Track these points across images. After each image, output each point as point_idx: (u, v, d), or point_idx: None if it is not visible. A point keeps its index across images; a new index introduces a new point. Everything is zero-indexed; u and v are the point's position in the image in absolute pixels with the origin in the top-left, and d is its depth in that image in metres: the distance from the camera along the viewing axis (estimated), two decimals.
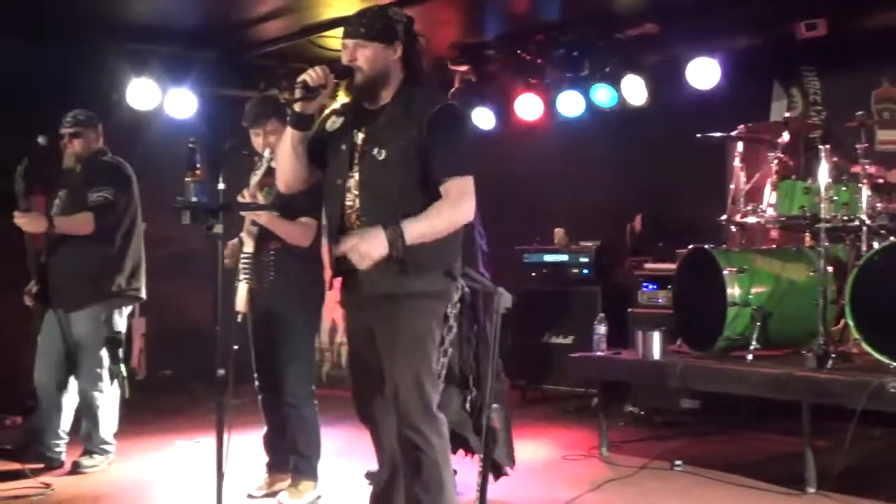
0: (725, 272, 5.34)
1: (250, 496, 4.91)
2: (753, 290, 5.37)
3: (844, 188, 5.21)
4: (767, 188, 5.56)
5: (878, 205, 5.19)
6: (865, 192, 5.15)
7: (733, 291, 5.32)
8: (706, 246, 5.57)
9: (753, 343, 5.28)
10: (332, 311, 7.36)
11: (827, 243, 5.16)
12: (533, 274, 7.71)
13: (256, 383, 4.91)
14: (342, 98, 3.63)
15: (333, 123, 3.61)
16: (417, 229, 3.31)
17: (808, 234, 5.74)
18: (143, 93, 7.51)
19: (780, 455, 5.59)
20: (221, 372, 3.40)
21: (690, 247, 5.77)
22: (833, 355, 4.95)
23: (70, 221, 5.44)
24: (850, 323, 4.90)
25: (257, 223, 4.67)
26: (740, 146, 5.82)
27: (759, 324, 5.30)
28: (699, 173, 7.05)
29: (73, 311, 5.48)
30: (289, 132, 3.52)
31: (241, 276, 4.74)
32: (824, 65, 6.94)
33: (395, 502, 3.67)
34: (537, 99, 7.87)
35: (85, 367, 5.48)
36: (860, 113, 5.35)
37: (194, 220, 3.44)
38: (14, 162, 5.32)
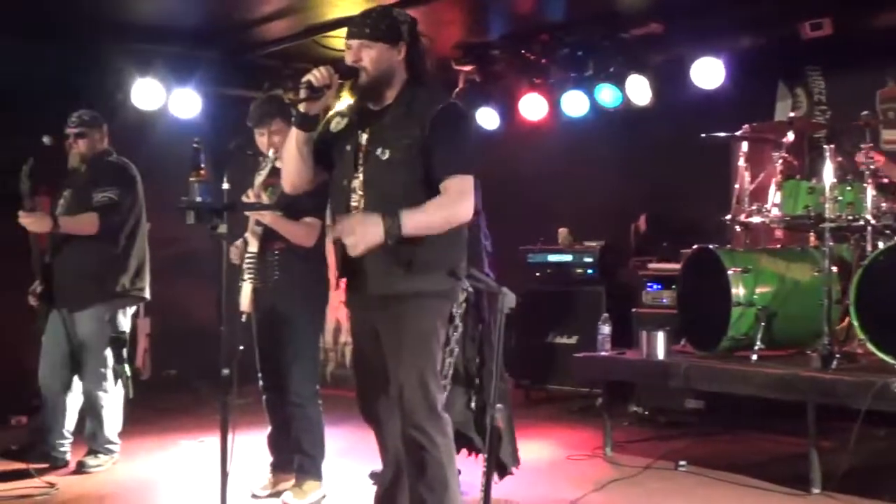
0: (730, 272, 5.34)
1: (254, 496, 4.91)
2: (758, 290, 5.36)
3: (849, 188, 5.20)
4: (772, 188, 5.55)
5: (883, 204, 5.18)
6: (870, 191, 5.14)
7: (738, 291, 5.32)
8: (710, 246, 5.56)
9: (758, 343, 5.28)
10: (337, 310, 7.37)
11: (831, 243, 5.16)
12: (537, 274, 7.71)
13: (261, 383, 4.91)
14: (347, 98, 3.63)
15: (338, 124, 3.61)
16: (414, 221, 3.31)
17: (812, 233, 5.73)
18: (147, 93, 7.52)
19: (785, 455, 5.59)
20: (226, 372, 3.41)
21: (695, 247, 5.76)
22: (838, 355, 4.94)
23: (75, 221, 5.45)
24: (855, 323, 4.90)
25: (262, 223, 4.68)
26: (745, 146, 5.81)
27: (763, 324, 5.29)
28: (703, 173, 7.04)
29: (77, 311, 5.49)
30: (294, 133, 3.52)
31: (246, 276, 4.74)
32: (829, 65, 6.93)
33: (400, 502, 3.67)
34: (541, 99, 7.87)
35: (89, 366, 5.49)
36: (865, 113, 5.35)
37: (199, 220, 3.45)
38: (19, 162, 5.32)
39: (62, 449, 5.59)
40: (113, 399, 5.59)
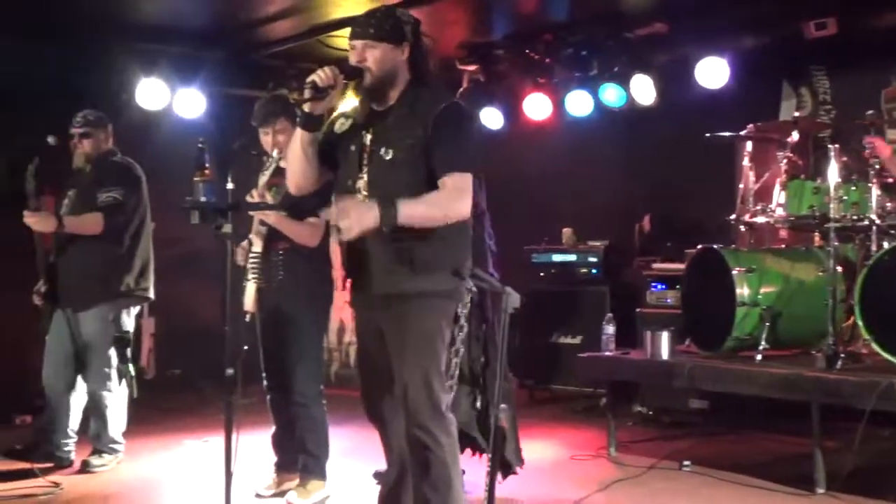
0: (734, 272, 5.33)
1: (259, 496, 4.91)
2: (762, 290, 5.35)
3: (854, 188, 5.19)
4: (777, 188, 5.55)
5: (888, 204, 5.17)
6: (875, 191, 5.13)
7: (742, 291, 5.32)
8: (715, 246, 5.56)
9: (762, 343, 5.27)
10: (341, 310, 7.38)
11: (836, 243, 5.15)
12: (541, 274, 7.71)
13: (265, 383, 4.91)
14: (351, 99, 3.63)
15: (342, 125, 3.62)
16: (410, 210, 3.30)
17: (817, 233, 5.73)
18: (152, 93, 7.53)
19: (789, 455, 5.58)
20: (230, 371, 3.41)
21: (699, 246, 5.76)
22: (842, 355, 4.93)
23: (79, 221, 5.46)
24: (860, 323, 4.89)
25: (266, 223, 4.68)
26: (749, 146, 5.81)
27: (768, 324, 5.29)
28: (708, 173, 7.04)
29: (81, 311, 5.49)
30: (298, 133, 3.52)
31: (250, 276, 4.74)
32: (834, 64, 6.93)
33: (404, 502, 3.67)
34: (546, 98, 7.87)
35: (93, 366, 5.50)
36: (870, 112, 5.34)
37: (203, 220, 3.46)
38: (24, 161, 5.34)
39: (66, 448, 5.59)
40: (117, 399, 5.59)
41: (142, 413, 6.13)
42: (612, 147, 7.94)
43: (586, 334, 7.11)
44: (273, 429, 4.98)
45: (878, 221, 5.13)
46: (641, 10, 6.93)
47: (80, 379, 5.57)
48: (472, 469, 4.31)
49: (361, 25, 3.49)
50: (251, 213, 4.66)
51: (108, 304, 5.52)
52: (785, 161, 5.53)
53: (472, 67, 7.89)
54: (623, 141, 7.84)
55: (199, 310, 7.75)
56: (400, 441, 3.58)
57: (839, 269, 5.23)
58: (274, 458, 5.01)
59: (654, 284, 6.91)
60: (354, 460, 5.51)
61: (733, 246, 5.75)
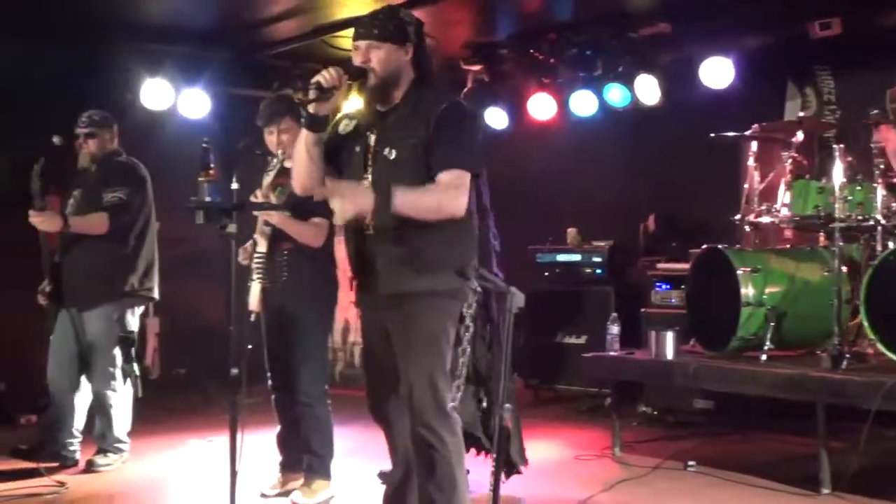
0: (739, 272, 5.32)
1: (263, 495, 4.92)
2: (767, 290, 5.35)
3: (859, 188, 5.18)
4: (781, 188, 5.54)
5: (893, 204, 5.16)
6: (880, 191, 5.12)
7: (747, 291, 5.31)
8: (720, 246, 5.55)
9: (767, 343, 5.26)
10: (346, 310, 7.37)
11: (841, 243, 5.14)
12: (546, 274, 7.71)
13: (270, 382, 4.92)
14: (356, 99, 3.64)
15: (346, 126, 3.62)
16: (405, 198, 3.30)
17: (822, 233, 5.71)
18: (156, 93, 7.54)
19: (794, 456, 5.58)
20: (235, 371, 3.41)
21: (704, 246, 5.75)
22: (848, 356, 4.92)
23: (85, 221, 5.47)
24: (865, 323, 4.89)
25: (270, 223, 4.68)
26: (754, 146, 5.80)
27: (773, 324, 5.28)
28: (713, 173, 7.03)
29: (86, 311, 5.50)
30: (303, 134, 3.52)
31: (255, 276, 4.75)
32: (838, 64, 6.92)
33: (409, 501, 3.68)
34: (550, 98, 7.87)
35: (98, 366, 5.51)
36: (875, 111, 5.33)
37: (208, 220, 3.46)
38: (30, 162, 5.34)
39: (71, 448, 5.60)
40: (122, 398, 5.60)
41: (146, 413, 6.13)
42: (616, 147, 7.93)
43: (591, 334, 7.10)
44: (278, 428, 4.98)
45: (883, 221, 5.12)
46: (646, 9, 6.93)
47: (84, 378, 5.57)
48: (477, 469, 4.31)
49: (365, 26, 3.49)
50: (255, 213, 4.67)
51: (112, 304, 5.52)
52: (790, 161, 5.52)
53: (476, 67, 7.90)
54: (627, 141, 7.84)
55: (203, 310, 7.75)
56: (405, 441, 3.59)
57: (844, 269, 5.22)
58: (279, 458, 5.02)
59: (658, 284, 6.91)
60: (359, 460, 5.51)
61: (738, 246, 5.74)
